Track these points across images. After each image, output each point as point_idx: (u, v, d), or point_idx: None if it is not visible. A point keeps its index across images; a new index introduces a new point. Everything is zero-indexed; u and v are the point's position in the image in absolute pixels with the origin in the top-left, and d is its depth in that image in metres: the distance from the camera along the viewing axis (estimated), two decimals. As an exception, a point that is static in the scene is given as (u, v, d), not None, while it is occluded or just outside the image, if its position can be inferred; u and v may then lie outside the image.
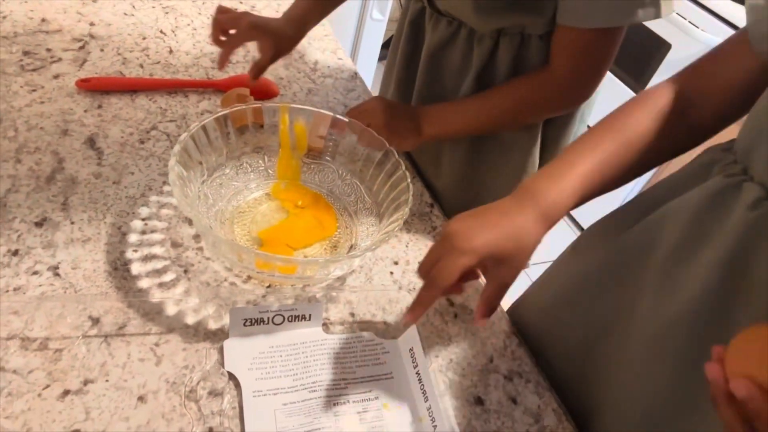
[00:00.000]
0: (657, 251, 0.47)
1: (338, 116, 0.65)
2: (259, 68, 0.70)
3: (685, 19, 1.66)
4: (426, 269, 0.47)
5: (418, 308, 0.47)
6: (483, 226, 0.46)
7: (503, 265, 0.46)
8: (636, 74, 1.84)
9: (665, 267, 0.46)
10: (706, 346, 0.40)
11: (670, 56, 1.73)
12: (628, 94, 1.85)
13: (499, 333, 0.59)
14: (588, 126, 0.62)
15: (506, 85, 0.64)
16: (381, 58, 1.70)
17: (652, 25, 1.75)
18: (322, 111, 0.65)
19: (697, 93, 0.49)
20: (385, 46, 2.49)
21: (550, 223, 0.47)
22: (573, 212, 2.11)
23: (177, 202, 0.50)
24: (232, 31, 0.68)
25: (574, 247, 0.60)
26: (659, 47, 1.74)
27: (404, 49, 0.75)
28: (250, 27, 0.67)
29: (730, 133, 0.48)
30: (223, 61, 0.69)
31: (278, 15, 0.73)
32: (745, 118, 0.46)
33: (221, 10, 0.68)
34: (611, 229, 0.55)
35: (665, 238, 0.47)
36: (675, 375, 0.45)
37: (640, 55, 1.82)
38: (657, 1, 0.53)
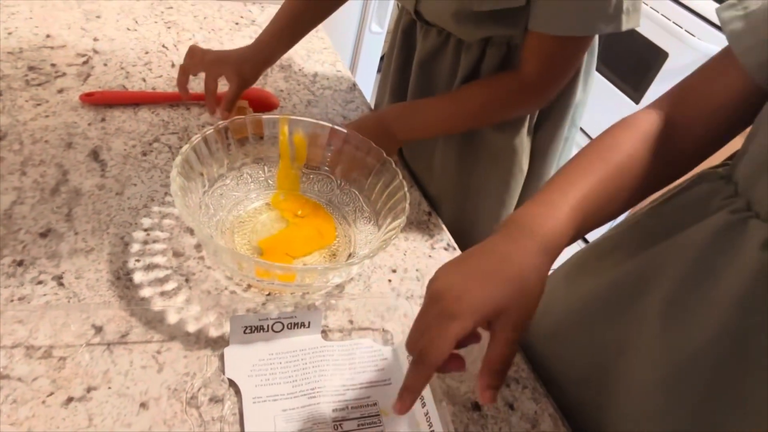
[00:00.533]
0: (662, 285, 0.45)
1: (336, 127, 0.66)
2: (228, 100, 0.72)
3: (681, 28, 1.68)
4: (414, 343, 0.40)
5: (408, 395, 0.39)
6: (475, 277, 0.39)
7: (508, 319, 0.39)
8: (634, 83, 1.86)
9: (672, 303, 0.44)
10: (725, 388, 0.41)
11: (668, 65, 1.74)
12: (626, 102, 1.87)
13: (497, 339, 0.60)
14: (581, 129, 0.62)
15: (473, 84, 0.67)
16: (380, 70, 1.72)
17: (650, 34, 1.77)
18: (321, 122, 0.66)
19: (682, 117, 0.47)
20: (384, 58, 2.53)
21: (553, 255, 0.41)
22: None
23: (179, 212, 0.51)
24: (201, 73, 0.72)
25: (567, 275, 0.58)
26: (657, 56, 1.76)
27: (397, 58, 0.77)
28: (212, 63, 0.71)
29: (721, 152, 0.48)
30: (182, 86, 0.73)
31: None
32: (741, 142, 0.44)
33: (188, 55, 0.72)
34: (607, 257, 0.53)
35: (669, 273, 0.44)
36: (693, 417, 0.43)
37: (637, 65, 1.84)
38: (619, 16, 0.57)
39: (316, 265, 0.55)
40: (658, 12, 1.75)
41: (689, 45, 1.66)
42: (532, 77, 0.63)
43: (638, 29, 1.78)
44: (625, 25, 0.57)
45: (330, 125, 0.66)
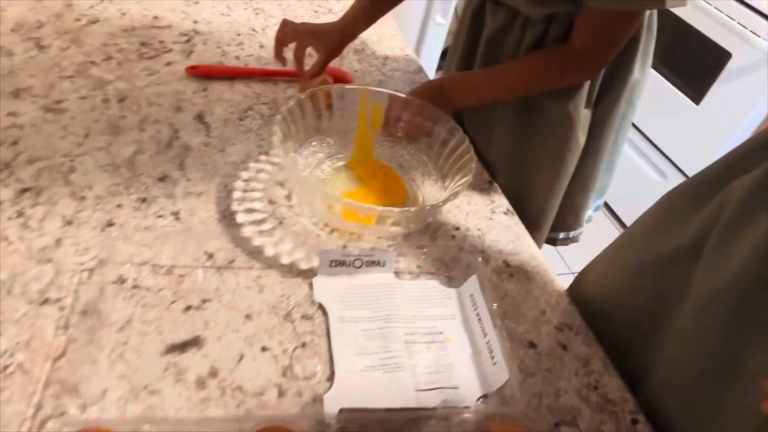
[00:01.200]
0: (715, 230, 0.50)
1: (410, 98, 0.73)
2: (316, 65, 0.82)
3: (746, 28, 1.67)
4: None
5: None
6: None
7: None
8: (694, 84, 1.84)
9: (718, 242, 0.50)
10: (751, 315, 0.46)
11: (731, 65, 1.73)
12: (686, 104, 1.85)
13: (552, 292, 0.65)
14: (637, 129, 0.65)
15: (527, 55, 0.73)
16: (442, 57, 1.77)
17: (712, 33, 1.76)
18: (396, 93, 0.73)
19: None
20: (443, 56, 2.57)
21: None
22: (612, 205, 2.10)
23: (279, 157, 0.60)
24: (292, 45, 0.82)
25: (644, 222, 0.63)
26: (719, 56, 1.75)
27: (466, 38, 0.83)
28: (303, 34, 0.81)
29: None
30: (279, 56, 0.83)
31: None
32: None
33: (281, 28, 0.81)
34: (683, 206, 0.57)
35: (723, 216, 0.50)
36: (721, 343, 0.49)
37: (699, 65, 1.83)
38: None
39: (395, 208, 0.62)
40: (721, 11, 1.74)
41: (753, 45, 1.64)
42: (580, 49, 0.69)
43: (700, 28, 1.78)
44: (669, 3, 0.62)
45: (403, 96, 0.73)
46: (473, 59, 0.82)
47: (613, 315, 0.63)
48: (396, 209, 0.59)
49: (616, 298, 0.63)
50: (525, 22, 0.73)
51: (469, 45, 0.83)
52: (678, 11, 1.85)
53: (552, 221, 0.88)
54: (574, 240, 0.94)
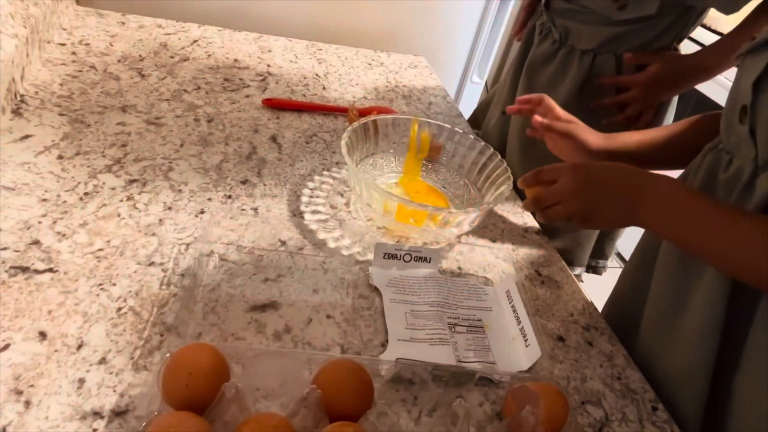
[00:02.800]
0: None
1: (455, 129, 0.85)
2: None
3: None
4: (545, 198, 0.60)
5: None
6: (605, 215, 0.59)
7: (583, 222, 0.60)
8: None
9: None
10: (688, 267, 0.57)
11: None
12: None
13: (579, 299, 0.73)
14: None
15: None
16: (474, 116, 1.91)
17: None
18: (443, 124, 0.85)
19: None
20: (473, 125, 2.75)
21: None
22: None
23: (346, 161, 0.70)
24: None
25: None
26: None
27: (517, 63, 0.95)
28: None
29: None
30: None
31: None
32: None
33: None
34: None
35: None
36: (674, 285, 0.61)
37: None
38: None
39: (443, 208, 0.70)
40: None
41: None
42: None
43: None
44: None
45: (449, 126, 0.85)
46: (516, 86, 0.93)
47: (631, 324, 0.70)
48: (444, 209, 0.68)
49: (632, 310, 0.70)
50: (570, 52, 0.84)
51: (517, 70, 0.94)
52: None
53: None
54: (603, 268, 1.02)
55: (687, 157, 0.67)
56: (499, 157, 0.79)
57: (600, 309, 0.74)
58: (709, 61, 0.78)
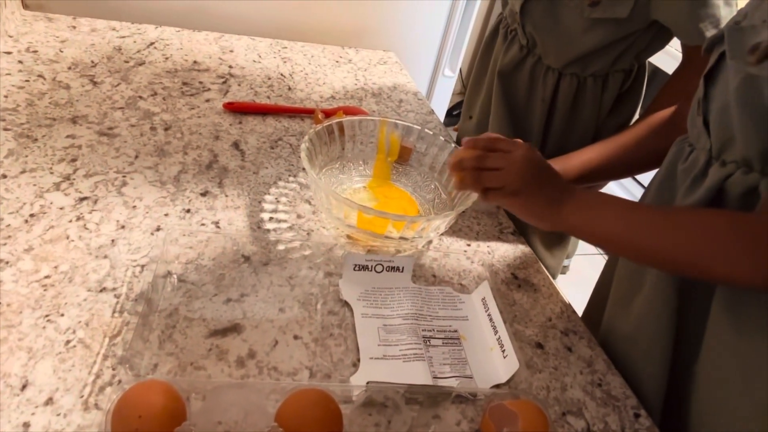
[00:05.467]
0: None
1: (426, 129, 0.82)
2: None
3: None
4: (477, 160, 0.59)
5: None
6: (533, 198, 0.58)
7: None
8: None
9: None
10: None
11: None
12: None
13: (557, 302, 0.71)
14: None
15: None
16: (445, 125, 1.89)
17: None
18: (413, 125, 0.82)
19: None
20: (448, 114, 2.72)
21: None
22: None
23: (306, 169, 0.67)
24: None
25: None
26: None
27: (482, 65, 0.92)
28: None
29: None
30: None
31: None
32: None
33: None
34: None
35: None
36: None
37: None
38: None
39: (404, 215, 0.68)
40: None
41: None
42: None
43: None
44: None
45: (419, 128, 0.82)
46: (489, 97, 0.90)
47: (609, 332, 0.69)
48: (407, 216, 0.65)
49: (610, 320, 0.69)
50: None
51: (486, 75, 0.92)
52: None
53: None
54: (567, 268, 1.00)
55: (649, 160, 0.67)
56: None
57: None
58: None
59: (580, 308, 0.75)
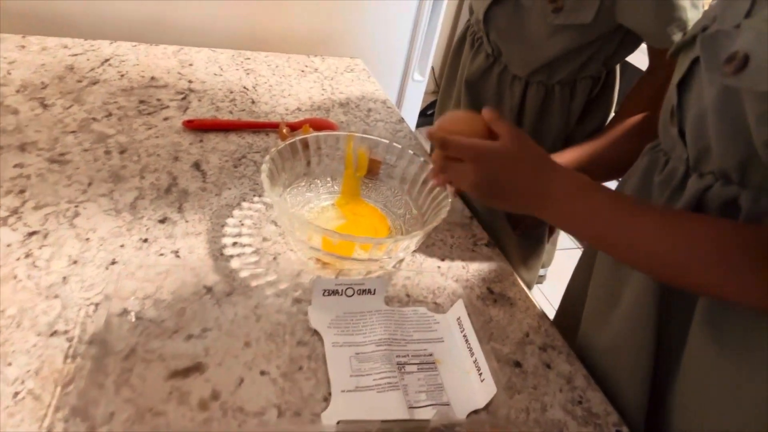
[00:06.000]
0: None
1: (394, 143, 0.79)
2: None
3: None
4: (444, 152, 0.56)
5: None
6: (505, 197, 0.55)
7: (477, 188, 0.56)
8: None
9: None
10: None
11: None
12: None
13: (534, 316, 0.69)
14: None
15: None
16: (417, 125, 1.89)
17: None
18: (380, 139, 0.79)
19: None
20: (422, 114, 2.70)
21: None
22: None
23: (267, 193, 0.64)
24: None
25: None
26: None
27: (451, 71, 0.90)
28: None
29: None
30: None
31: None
32: None
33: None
34: None
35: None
36: (611, 275, 0.61)
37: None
38: None
39: (372, 237, 0.66)
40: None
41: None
42: None
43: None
44: None
45: (387, 141, 0.79)
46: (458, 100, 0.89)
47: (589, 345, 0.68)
48: (373, 239, 0.63)
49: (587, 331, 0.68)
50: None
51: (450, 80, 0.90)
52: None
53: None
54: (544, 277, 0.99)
55: (628, 162, 0.65)
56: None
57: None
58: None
59: (556, 300, 0.74)
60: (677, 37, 0.65)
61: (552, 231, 0.92)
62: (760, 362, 0.46)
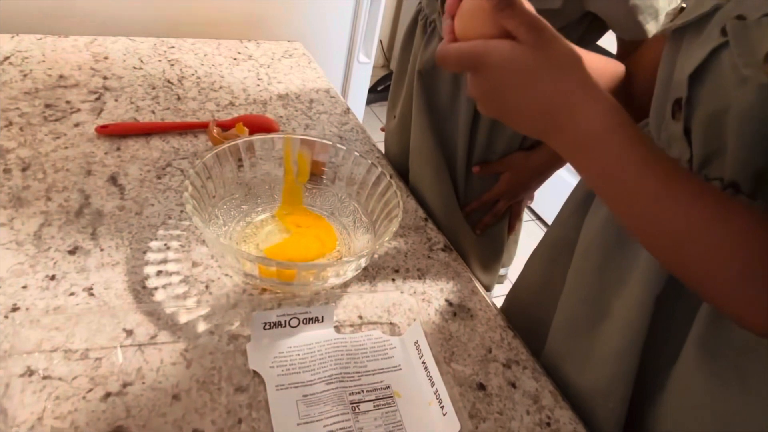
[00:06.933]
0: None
1: (338, 145, 0.71)
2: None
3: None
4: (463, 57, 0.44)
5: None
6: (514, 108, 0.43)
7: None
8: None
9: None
10: (612, 262, 0.52)
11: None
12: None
13: (496, 328, 0.64)
14: None
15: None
16: (368, 102, 1.80)
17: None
18: (321, 140, 0.72)
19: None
20: (372, 90, 2.61)
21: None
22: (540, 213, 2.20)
23: (192, 219, 0.56)
24: None
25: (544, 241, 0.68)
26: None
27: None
28: None
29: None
30: None
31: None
32: None
33: None
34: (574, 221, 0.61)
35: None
36: (593, 286, 0.56)
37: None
38: None
39: (314, 262, 0.59)
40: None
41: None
42: None
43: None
44: None
45: (329, 143, 0.72)
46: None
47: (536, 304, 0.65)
48: (316, 263, 0.56)
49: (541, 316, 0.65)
50: None
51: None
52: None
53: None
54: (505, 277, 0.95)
55: None
56: (388, 178, 0.67)
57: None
58: (556, 156, 0.76)
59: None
60: (650, 26, 0.59)
61: (512, 227, 0.87)
62: (755, 389, 0.42)
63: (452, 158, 0.80)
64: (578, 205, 0.60)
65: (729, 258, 0.37)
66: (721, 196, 0.39)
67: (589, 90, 0.41)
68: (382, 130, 1.00)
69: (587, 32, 0.69)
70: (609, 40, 0.72)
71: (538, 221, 2.25)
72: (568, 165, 0.51)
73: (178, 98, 0.90)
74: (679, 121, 0.44)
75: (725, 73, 0.39)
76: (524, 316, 0.67)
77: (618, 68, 0.63)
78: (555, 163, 0.79)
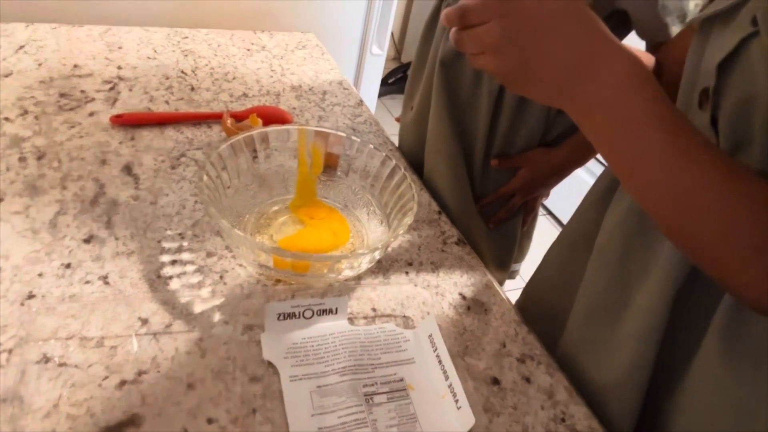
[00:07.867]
0: None
1: (352, 137, 0.71)
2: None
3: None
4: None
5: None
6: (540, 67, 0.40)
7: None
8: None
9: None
10: (634, 254, 0.52)
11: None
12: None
13: (510, 322, 0.64)
14: None
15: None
16: (379, 95, 1.79)
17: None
18: (336, 132, 0.71)
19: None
20: (382, 83, 2.60)
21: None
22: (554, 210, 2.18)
23: (206, 209, 0.56)
24: None
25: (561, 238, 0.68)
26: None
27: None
28: None
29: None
30: None
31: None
32: None
33: None
34: (592, 215, 0.61)
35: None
36: (613, 279, 0.55)
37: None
38: None
39: (328, 254, 0.59)
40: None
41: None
42: None
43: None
44: None
45: (344, 134, 0.71)
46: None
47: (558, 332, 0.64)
48: (330, 255, 0.56)
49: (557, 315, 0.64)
50: None
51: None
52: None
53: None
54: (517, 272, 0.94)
55: None
56: (402, 171, 0.67)
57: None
58: (576, 154, 0.77)
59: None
60: (676, 28, 0.59)
61: (525, 221, 0.87)
62: None
63: (470, 151, 0.79)
64: (598, 198, 0.60)
65: (746, 233, 0.36)
66: (745, 170, 0.38)
67: (613, 46, 0.39)
68: (397, 120, 0.99)
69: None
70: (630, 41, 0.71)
71: (549, 216, 2.23)
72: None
73: (192, 89, 0.90)
74: (707, 110, 0.43)
75: (754, 63, 0.38)
76: (541, 310, 0.67)
77: (649, 59, 0.63)
78: (574, 162, 0.78)
